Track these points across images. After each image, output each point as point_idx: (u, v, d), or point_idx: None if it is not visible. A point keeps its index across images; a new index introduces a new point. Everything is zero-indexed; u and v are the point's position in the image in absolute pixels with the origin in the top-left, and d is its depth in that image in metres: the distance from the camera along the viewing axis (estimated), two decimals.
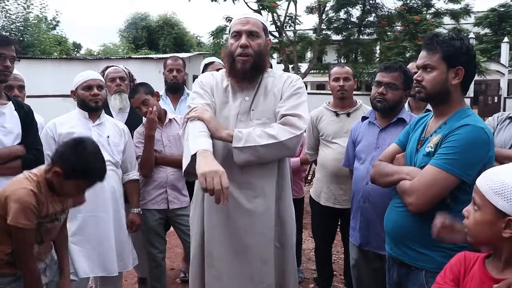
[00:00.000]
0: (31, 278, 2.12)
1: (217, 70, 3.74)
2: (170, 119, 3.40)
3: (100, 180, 2.16)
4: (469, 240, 1.47)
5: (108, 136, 3.04)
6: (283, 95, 2.37)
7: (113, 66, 3.77)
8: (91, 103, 2.99)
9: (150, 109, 3.15)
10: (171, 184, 3.34)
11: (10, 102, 2.64)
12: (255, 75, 2.39)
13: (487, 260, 1.47)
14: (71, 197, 2.25)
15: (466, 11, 16.90)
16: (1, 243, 2.08)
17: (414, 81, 2.08)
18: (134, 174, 3.24)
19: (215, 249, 2.36)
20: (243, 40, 2.31)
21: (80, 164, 2.05)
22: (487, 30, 32.02)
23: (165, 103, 4.12)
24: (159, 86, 4.10)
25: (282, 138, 2.21)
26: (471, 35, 19.01)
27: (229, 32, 2.42)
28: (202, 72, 3.98)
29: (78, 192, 2.19)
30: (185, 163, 2.13)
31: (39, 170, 2.15)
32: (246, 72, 2.34)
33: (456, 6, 16.87)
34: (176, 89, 4.11)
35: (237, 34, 2.33)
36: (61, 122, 2.97)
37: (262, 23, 2.39)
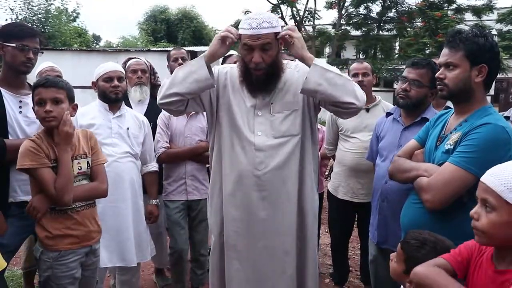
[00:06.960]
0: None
1: (235, 62, 3.77)
2: None
3: (51, 82, 2.30)
4: (481, 241, 1.43)
5: (128, 128, 3.07)
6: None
7: (135, 58, 3.78)
8: (111, 94, 3.02)
9: None
10: (191, 175, 3.37)
11: None
12: (271, 82, 2.37)
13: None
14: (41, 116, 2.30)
15: (489, 7, 16.46)
16: None
17: (437, 79, 2.06)
18: (153, 166, 3.28)
19: (238, 243, 2.39)
20: (256, 57, 2.23)
21: None
22: (510, 27, 31.37)
23: None
24: None
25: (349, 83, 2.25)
26: (494, 31, 18.59)
27: (239, 38, 2.28)
28: (222, 64, 4.01)
29: (40, 105, 2.28)
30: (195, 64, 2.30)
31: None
32: (261, 82, 2.34)
33: (479, 2, 16.51)
34: None
35: (249, 48, 2.25)
36: (81, 113, 2.97)
37: (274, 33, 2.24)
